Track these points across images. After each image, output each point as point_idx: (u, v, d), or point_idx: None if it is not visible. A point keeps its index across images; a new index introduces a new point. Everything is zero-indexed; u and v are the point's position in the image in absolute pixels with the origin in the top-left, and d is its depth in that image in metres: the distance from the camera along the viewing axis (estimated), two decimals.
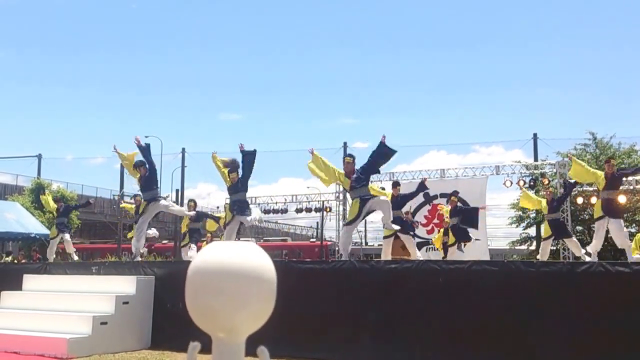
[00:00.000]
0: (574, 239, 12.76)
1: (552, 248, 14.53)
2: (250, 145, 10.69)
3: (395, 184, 12.82)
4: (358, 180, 9.70)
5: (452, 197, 13.53)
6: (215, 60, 74.47)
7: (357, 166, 9.87)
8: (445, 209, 14.40)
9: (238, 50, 74.24)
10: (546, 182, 14.22)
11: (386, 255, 11.54)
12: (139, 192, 12.20)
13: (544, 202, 12.70)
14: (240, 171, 10.63)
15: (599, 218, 10.44)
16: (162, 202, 11.48)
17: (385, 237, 12.05)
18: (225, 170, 10.65)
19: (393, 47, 74.93)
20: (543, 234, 13.39)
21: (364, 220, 17.11)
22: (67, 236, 14.37)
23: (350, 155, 10.49)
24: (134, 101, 75.05)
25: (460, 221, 13.15)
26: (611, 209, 10.19)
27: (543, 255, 12.38)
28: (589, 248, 11.16)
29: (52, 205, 14.96)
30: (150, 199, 11.27)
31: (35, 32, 73.38)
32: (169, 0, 76.14)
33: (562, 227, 13.03)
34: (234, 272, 1.42)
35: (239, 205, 10.67)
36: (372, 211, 10.20)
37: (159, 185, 11.98)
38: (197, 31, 75.54)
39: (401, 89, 73.86)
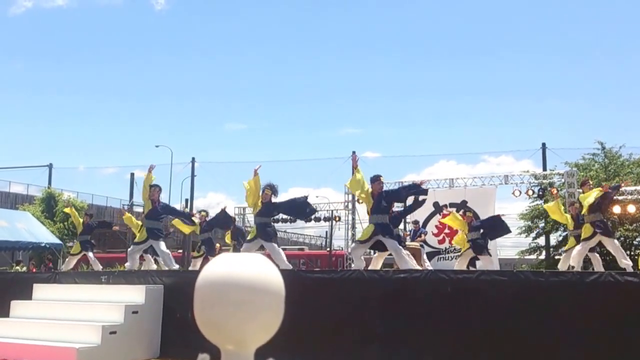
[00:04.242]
0: (597, 254, 12.55)
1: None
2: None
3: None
4: (377, 207, 9.56)
5: (468, 213, 13.48)
6: (219, 70, 74.79)
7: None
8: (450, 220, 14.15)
9: (242, 59, 74.54)
10: (555, 192, 14.13)
11: (375, 266, 11.29)
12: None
13: (569, 217, 13.01)
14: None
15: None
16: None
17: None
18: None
19: (400, 56, 75.03)
20: (567, 246, 13.63)
21: None
22: (91, 254, 14.01)
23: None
24: (145, 111, 75.51)
25: (483, 235, 12.89)
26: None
27: (564, 265, 12.60)
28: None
29: (79, 220, 14.56)
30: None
31: (46, 42, 74.10)
32: (178, 12, 76.64)
33: None
34: (243, 283, 1.41)
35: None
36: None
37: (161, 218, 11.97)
38: (201, 40, 75.97)
39: (410, 98, 73.88)
